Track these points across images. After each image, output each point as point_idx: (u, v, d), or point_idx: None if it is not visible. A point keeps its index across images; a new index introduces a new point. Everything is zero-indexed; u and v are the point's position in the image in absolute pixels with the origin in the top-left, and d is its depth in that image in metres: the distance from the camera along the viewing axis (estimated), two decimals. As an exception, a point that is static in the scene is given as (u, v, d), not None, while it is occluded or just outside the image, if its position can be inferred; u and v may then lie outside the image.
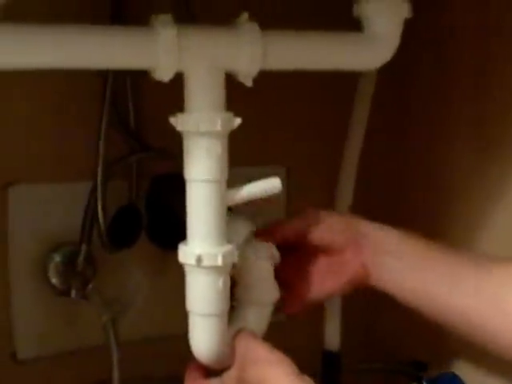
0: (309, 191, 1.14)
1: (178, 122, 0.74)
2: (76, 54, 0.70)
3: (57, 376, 0.98)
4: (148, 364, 0.99)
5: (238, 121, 0.76)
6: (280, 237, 0.85)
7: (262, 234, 0.84)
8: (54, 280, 0.98)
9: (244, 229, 0.83)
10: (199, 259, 0.74)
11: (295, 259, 0.87)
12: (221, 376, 0.77)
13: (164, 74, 0.72)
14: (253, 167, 1.08)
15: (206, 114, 0.74)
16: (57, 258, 0.98)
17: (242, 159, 1.07)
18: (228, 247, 0.76)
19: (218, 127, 0.74)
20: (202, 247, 0.75)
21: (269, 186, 0.79)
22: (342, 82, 1.00)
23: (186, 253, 0.76)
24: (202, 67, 0.73)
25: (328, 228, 0.85)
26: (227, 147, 0.76)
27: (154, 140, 1.01)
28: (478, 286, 0.78)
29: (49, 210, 0.98)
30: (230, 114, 0.75)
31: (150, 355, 1.00)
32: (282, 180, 1.14)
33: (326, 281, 0.87)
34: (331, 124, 1.12)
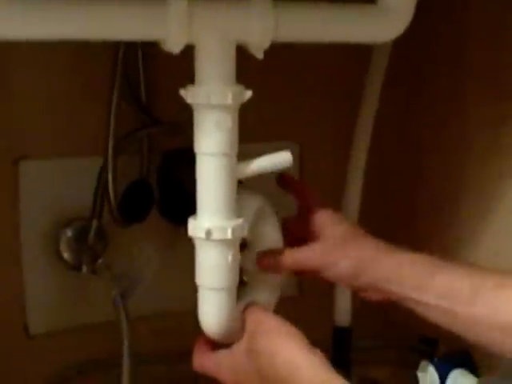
0: (322, 168, 1.14)
1: (188, 94, 0.74)
2: (86, 26, 0.70)
3: (68, 350, 0.98)
4: (158, 339, 0.99)
5: (248, 94, 0.75)
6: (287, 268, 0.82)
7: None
8: (65, 255, 0.98)
9: (254, 203, 0.82)
10: (209, 232, 0.74)
11: None
12: (230, 347, 0.77)
13: (174, 46, 0.72)
14: (266, 143, 1.07)
15: (216, 87, 0.73)
16: (68, 232, 0.98)
17: (255, 135, 1.07)
18: (238, 221, 0.76)
19: (229, 100, 0.73)
20: (212, 221, 0.75)
21: (279, 159, 0.79)
22: (356, 56, 0.98)
23: (196, 226, 0.75)
24: (212, 39, 0.72)
25: (341, 274, 0.81)
26: (237, 120, 0.75)
27: (166, 114, 1.01)
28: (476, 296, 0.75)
29: (60, 184, 0.98)
30: (240, 87, 0.75)
31: (161, 330, 1.00)
32: (296, 156, 1.15)
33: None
34: (345, 100, 1.11)
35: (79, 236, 0.98)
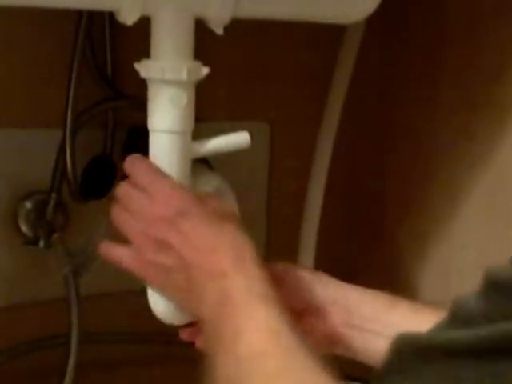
0: (293, 147, 1.12)
1: (142, 68, 0.72)
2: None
3: (19, 327, 0.95)
4: (109, 319, 0.97)
5: (205, 70, 0.73)
6: None
7: None
8: (23, 228, 0.96)
9: (212, 183, 0.81)
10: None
11: None
12: None
13: (127, 17, 0.69)
14: (237, 122, 1.05)
15: (171, 62, 0.71)
16: (28, 205, 0.96)
17: (226, 113, 1.06)
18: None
19: (184, 76, 0.71)
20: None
21: (237, 140, 0.76)
22: (329, 34, 0.96)
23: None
24: (168, 11, 0.70)
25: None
26: (194, 97, 0.73)
27: (133, 89, 0.97)
28: None
29: (21, 156, 0.95)
30: (197, 63, 0.72)
31: (112, 310, 0.98)
32: (266, 136, 1.13)
33: None
34: (317, 78, 1.08)
35: (39, 209, 0.95)
